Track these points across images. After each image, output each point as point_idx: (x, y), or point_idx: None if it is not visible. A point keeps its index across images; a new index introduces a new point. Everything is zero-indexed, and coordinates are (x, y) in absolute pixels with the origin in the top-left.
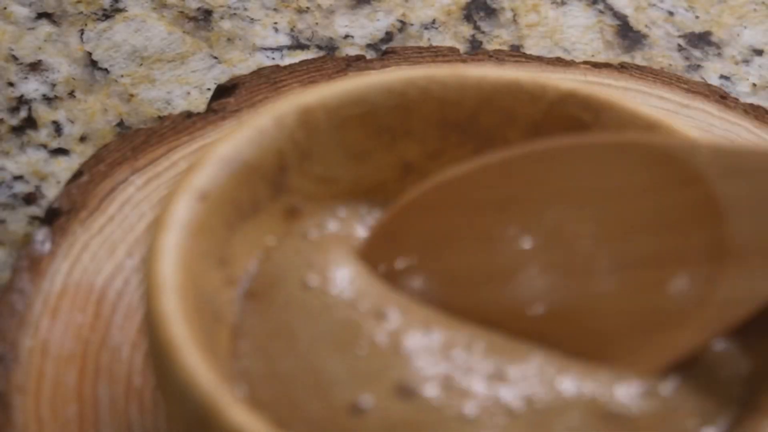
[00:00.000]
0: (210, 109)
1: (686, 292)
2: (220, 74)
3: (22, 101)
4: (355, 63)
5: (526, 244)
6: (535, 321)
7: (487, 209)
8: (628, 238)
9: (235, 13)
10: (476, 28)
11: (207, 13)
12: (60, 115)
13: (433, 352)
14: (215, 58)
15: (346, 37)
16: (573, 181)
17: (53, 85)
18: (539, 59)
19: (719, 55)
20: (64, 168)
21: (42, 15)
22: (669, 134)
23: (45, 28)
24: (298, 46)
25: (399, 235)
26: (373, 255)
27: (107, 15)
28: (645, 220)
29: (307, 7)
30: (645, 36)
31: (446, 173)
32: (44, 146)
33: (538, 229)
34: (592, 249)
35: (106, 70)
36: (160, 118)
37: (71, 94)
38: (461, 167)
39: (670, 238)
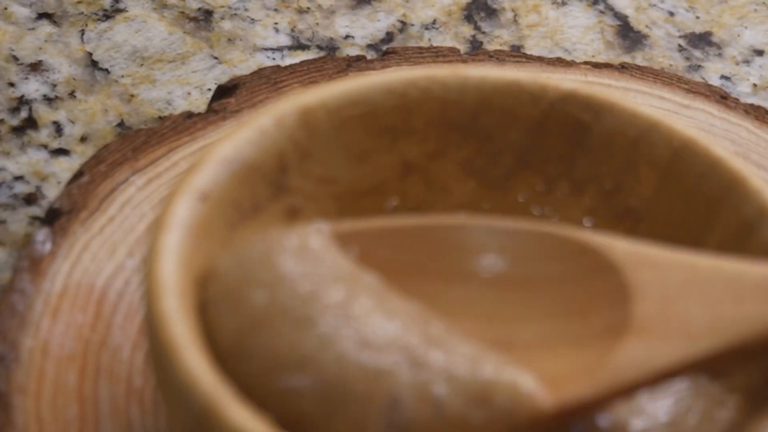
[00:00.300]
0: (210, 110)
1: (582, 358)
2: (221, 74)
3: (22, 101)
4: (356, 63)
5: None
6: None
7: (405, 270)
8: (526, 322)
9: (235, 14)
10: (477, 28)
11: (207, 14)
12: (60, 116)
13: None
14: (216, 58)
15: (347, 37)
16: (482, 260)
17: (54, 86)
18: (540, 59)
19: (720, 55)
20: (64, 168)
21: (42, 15)
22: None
23: (45, 28)
24: (298, 46)
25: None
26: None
27: (108, 15)
28: (547, 306)
29: (308, 8)
30: (645, 36)
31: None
32: (45, 146)
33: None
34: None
35: (106, 70)
36: (160, 118)
37: (72, 94)
38: (392, 221)
39: (576, 320)
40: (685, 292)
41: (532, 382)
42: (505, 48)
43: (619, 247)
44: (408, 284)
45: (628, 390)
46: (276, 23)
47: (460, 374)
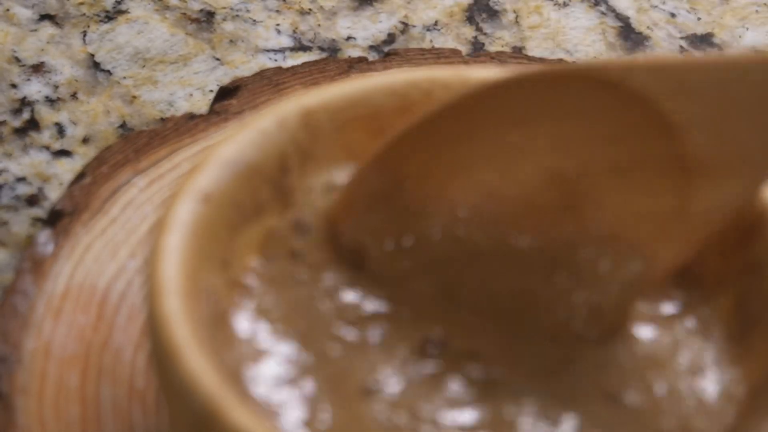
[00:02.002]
0: (212, 111)
1: (659, 202)
2: (223, 76)
3: (24, 103)
4: (358, 65)
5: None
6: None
7: (451, 147)
8: (587, 151)
9: (237, 15)
10: (478, 29)
11: (209, 15)
12: (63, 117)
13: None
14: (218, 59)
15: (349, 38)
16: (523, 110)
17: (56, 87)
18: (541, 61)
19: None
20: (66, 170)
21: (45, 17)
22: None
23: (48, 29)
24: (300, 47)
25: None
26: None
27: (110, 17)
28: (599, 136)
29: (310, 9)
30: (647, 37)
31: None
32: (47, 148)
33: (500, 156)
34: (554, 163)
35: (108, 71)
36: (162, 119)
37: (74, 95)
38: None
39: (628, 150)
40: (725, 106)
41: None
42: (507, 49)
43: (640, 72)
44: (461, 150)
45: (710, 235)
46: (278, 24)
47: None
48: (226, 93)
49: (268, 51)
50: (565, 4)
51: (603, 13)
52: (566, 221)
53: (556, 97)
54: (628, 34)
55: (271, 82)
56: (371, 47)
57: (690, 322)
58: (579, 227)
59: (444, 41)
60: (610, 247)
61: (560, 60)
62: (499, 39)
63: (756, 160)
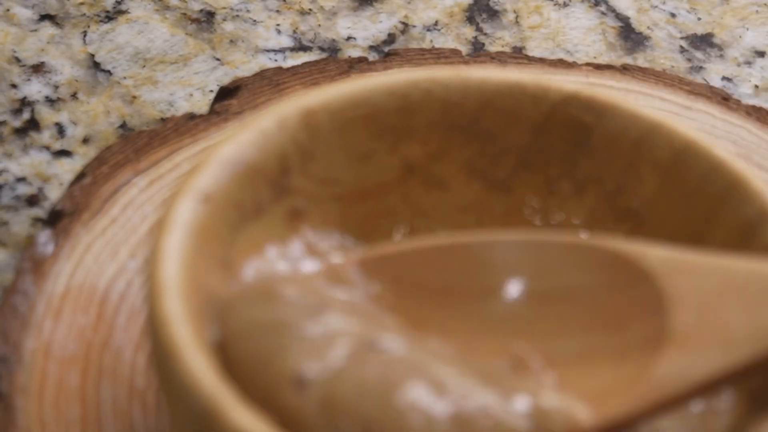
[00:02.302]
0: (212, 111)
1: (623, 372)
2: (223, 76)
3: (24, 103)
4: (358, 65)
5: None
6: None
7: (436, 291)
8: (561, 336)
9: (237, 15)
10: (479, 29)
11: (209, 15)
12: (63, 117)
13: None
14: (218, 59)
15: (349, 39)
16: (517, 275)
17: (56, 87)
18: (541, 61)
19: (721, 56)
20: (66, 170)
21: (45, 17)
22: (674, 138)
23: (48, 29)
24: (300, 48)
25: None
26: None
27: (110, 17)
28: (583, 319)
29: (310, 9)
30: (647, 38)
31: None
32: (47, 148)
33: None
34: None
35: (108, 71)
36: (162, 119)
37: (74, 95)
38: (417, 243)
39: (613, 333)
40: (722, 299)
41: (572, 403)
42: (507, 49)
43: (652, 254)
44: (441, 304)
45: (671, 403)
46: (278, 25)
47: (495, 409)
48: (226, 93)
49: (268, 51)
50: (565, 4)
51: (603, 13)
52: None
53: (561, 267)
54: (628, 35)
55: (272, 83)
56: (371, 47)
57: None
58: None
59: (444, 41)
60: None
61: (560, 60)
62: (499, 39)
63: (736, 340)
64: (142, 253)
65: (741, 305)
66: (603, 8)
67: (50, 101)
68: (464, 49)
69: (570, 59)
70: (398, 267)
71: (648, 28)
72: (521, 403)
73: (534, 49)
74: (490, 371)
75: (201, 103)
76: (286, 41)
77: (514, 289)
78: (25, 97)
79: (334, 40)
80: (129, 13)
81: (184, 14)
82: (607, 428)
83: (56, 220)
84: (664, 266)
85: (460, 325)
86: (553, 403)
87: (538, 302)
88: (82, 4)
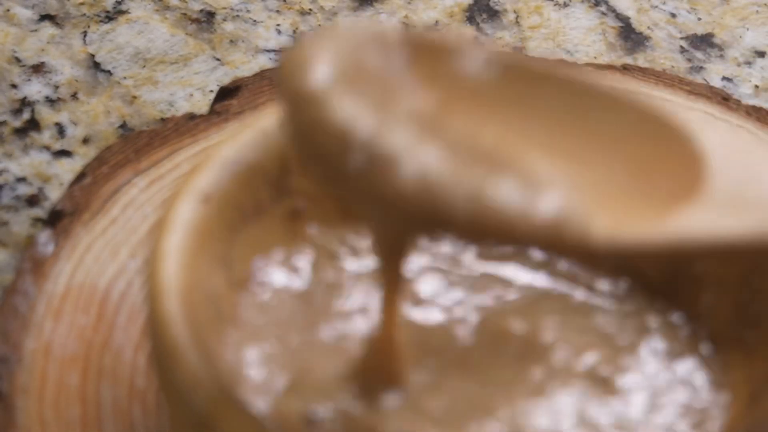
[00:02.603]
0: (213, 111)
1: (647, 210)
2: (223, 76)
3: (25, 103)
4: None
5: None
6: None
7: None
8: (595, 164)
9: (237, 15)
10: (479, 30)
11: (210, 15)
12: (63, 117)
13: None
14: (218, 60)
15: None
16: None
17: (56, 87)
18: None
19: (721, 56)
20: (67, 170)
21: (45, 17)
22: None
23: (48, 30)
24: None
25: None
26: None
27: (110, 17)
28: (620, 158)
29: (310, 9)
30: (647, 38)
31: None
32: (47, 148)
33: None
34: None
35: (109, 72)
36: (162, 120)
37: (74, 96)
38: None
39: (643, 174)
40: (761, 177)
41: (588, 208)
42: (507, 50)
43: (695, 122)
44: (476, 108)
45: (685, 248)
46: (278, 25)
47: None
48: (226, 93)
49: (268, 51)
50: (565, 5)
51: (603, 13)
52: None
53: (600, 114)
54: (629, 35)
55: (272, 83)
56: None
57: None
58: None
59: None
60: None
61: (560, 60)
62: (500, 39)
63: None
64: (143, 254)
65: None
66: (603, 8)
67: (50, 101)
68: None
69: (570, 59)
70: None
71: (648, 28)
72: (545, 197)
73: (534, 50)
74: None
75: (201, 104)
76: (286, 41)
77: (550, 116)
78: (25, 98)
79: None
80: (129, 13)
81: (184, 14)
82: (613, 245)
83: (56, 220)
84: (709, 134)
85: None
86: (571, 204)
87: (570, 128)
88: (82, 4)
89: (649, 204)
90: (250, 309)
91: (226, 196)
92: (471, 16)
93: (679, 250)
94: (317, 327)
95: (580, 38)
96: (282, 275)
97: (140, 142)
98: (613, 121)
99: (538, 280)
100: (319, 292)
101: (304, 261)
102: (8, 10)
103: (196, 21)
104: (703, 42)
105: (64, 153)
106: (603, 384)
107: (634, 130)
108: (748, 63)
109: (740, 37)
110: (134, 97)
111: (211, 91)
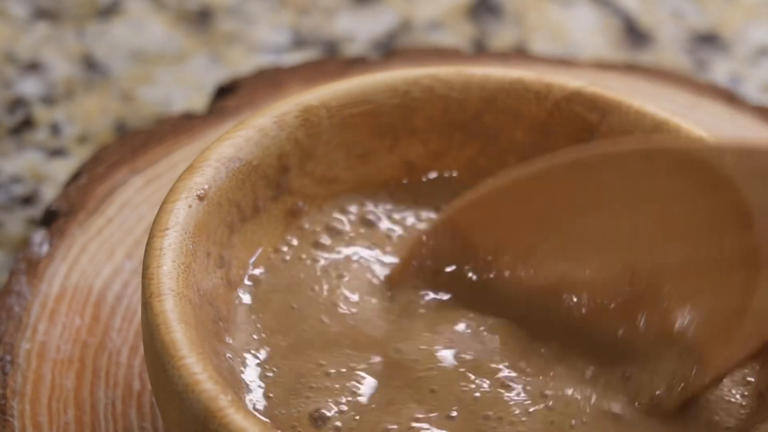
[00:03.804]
0: (210, 110)
1: (725, 302)
2: (221, 75)
3: (19, 102)
4: (357, 64)
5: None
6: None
7: (526, 222)
8: (662, 246)
9: (235, 13)
10: (481, 28)
11: (207, 13)
12: (58, 116)
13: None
14: (215, 58)
15: (348, 37)
16: (605, 190)
17: (51, 86)
18: (545, 60)
19: (727, 55)
20: (62, 169)
21: (40, 14)
22: (682, 136)
23: (43, 27)
24: (299, 46)
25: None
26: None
27: (106, 15)
28: (677, 227)
29: (309, 7)
30: (652, 36)
31: (478, 189)
32: (42, 147)
33: (575, 239)
34: (629, 256)
35: (105, 70)
36: (159, 119)
37: (70, 94)
38: (496, 180)
39: (703, 245)
40: None
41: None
42: (510, 48)
43: (728, 156)
44: (536, 227)
45: None
46: (276, 23)
47: None
48: (224, 92)
49: (266, 49)
50: (568, 3)
51: (607, 11)
52: (629, 314)
53: (640, 176)
54: (632, 33)
55: (270, 82)
56: (371, 46)
57: None
58: (639, 322)
59: (446, 39)
60: (665, 345)
61: (564, 59)
62: (502, 37)
63: None
64: (138, 254)
65: None
66: (607, 6)
67: (45, 100)
68: (466, 48)
69: (574, 58)
70: (480, 213)
71: (653, 26)
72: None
73: (537, 48)
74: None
75: (198, 102)
76: (284, 40)
77: (599, 205)
78: (19, 96)
79: (333, 39)
80: (125, 11)
81: (181, 12)
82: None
83: (51, 220)
84: (743, 169)
85: (571, 246)
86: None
87: (628, 213)
88: (77, 1)
89: (730, 274)
90: (248, 308)
91: (222, 194)
92: (473, 14)
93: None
94: (317, 324)
95: (584, 36)
96: (277, 270)
97: (136, 142)
98: (655, 177)
99: None
100: (317, 284)
101: (296, 253)
102: (3, 8)
103: (194, 19)
104: (709, 40)
105: (59, 152)
106: None
107: (679, 183)
108: (754, 62)
109: (746, 35)
110: (130, 96)
111: (209, 89)
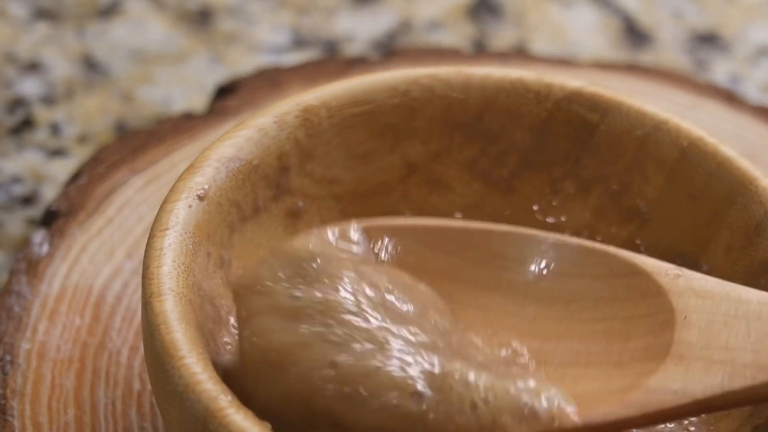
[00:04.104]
0: (210, 110)
1: (617, 380)
2: (221, 75)
3: (19, 102)
4: (357, 64)
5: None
6: None
7: (442, 273)
8: (570, 338)
9: (235, 13)
10: (481, 28)
11: (207, 13)
12: (58, 116)
13: None
14: (215, 58)
15: (348, 37)
16: (535, 271)
17: (51, 86)
18: (545, 60)
19: (727, 54)
20: (62, 169)
21: (40, 15)
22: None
23: (43, 27)
24: (299, 46)
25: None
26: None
27: (106, 15)
28: (594, 324)
29: (309, 7)
30: (652, 36)
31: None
32: (42, 147)
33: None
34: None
35: (105, 70)
36: (159, 119)
37: (70, 94)
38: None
39: (615, 342)
40: (732, 325)
41: (561, 398)
42: (510, 48)
43: (669, 271)
44: (444, 288)
45: (660, 417)
46: (276, 23)
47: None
48: (224, 92)
49: (266, 49)
50: (569, 3)
51: (607, 11)
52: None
53: (579, 271)
54: (632, 33)
55: (270, 81)
56: (371, 46)
57: None
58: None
59: (446, 39)
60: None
61: (564, 59)
62: (502, 37)
63: (738, 366)
64: (138, 254)
65: (748, 334)
66: (608, 6)
67: (46, 100)
68: (466, 48)
69: (574, 58)
70: (405, 240)
71: (653, 26)
72: (515, 383)
73: (537, 48)
74: (485, 359)
75: (198, 102)
76: (284, 39)
77: (523, 283)
78: (20, 96)
79: (333, 39)
80: (125, 10)
81: (182, 12)
82: (592, 428)
83: (51, 220)
84: (679, 285)
85: (463, 314)
86: (545, 391)
87: (544, 301)
88: (78, 1)
89: (623, 371)
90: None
91: (222, 194)
92: (473, 14)
93: (654, 417)
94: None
95: (584, 36)
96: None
97: (137, 142)
98: (592, 276)
99: None
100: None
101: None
102: (3, 8)
103: (194, 19)
104: (708, 40)
105: (59, 152)
106: None
107: (613, 287)
108: (754, 62)
109: (746, 34)
110: (131, 96)
111: (209, 89)
